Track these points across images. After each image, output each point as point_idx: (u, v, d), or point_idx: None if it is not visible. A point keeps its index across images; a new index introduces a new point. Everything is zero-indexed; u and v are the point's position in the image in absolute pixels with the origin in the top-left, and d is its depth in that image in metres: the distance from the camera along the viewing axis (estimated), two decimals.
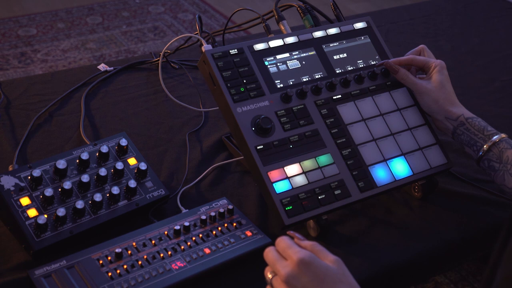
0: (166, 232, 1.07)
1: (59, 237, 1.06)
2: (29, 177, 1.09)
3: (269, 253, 0.87)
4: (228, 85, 1.14)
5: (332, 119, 1.18)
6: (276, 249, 0.87)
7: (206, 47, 1.18)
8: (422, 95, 1.22)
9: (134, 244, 1.04)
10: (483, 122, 1.19)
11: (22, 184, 1.09)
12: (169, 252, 1.04)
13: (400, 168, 1.19)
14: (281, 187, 1.09)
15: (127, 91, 1.54)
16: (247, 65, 1.17)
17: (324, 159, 1.14)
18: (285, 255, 0.85)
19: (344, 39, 1.28)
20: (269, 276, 0.86)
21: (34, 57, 3.19)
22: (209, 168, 1.29)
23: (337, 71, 1.24)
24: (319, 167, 1.13)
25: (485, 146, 1.17)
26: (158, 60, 1.62)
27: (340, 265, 0.85)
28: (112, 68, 1.61)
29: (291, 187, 1.10)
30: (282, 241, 0.87)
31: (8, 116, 1.41)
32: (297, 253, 0.83)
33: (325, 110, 1.18)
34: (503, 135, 1.17)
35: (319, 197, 1.10)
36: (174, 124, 1.44)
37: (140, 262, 1.02)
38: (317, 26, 1.30)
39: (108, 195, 1.12)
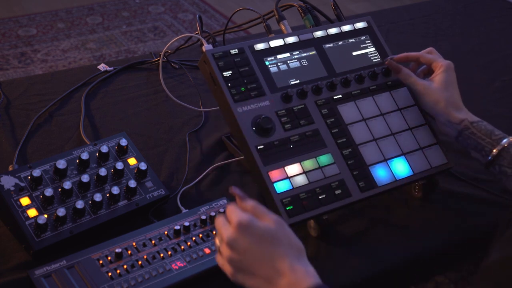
0: (166, 232, 1.07)
1: (59, 237, 1.06)
2: (29, 177, 1.09)
3: (217, 220, 0.90)
4: (229, 85, 1.14)
5: (333, 119, 1.18)
6: (225, 215, 0.90)
7: (206, 47, 1.18)
8: (424, 95, 1.20)
9: (134, 244, 1.04)
10: (489, 126, 1.16)
11: (22, 184, 1.09)
12: (169, 252, 1.04)
13: (401, 168, 1.18)
14: (281, 187, 1.09)
15: (127, 91, 1.54)
16: (247, 65, 1.17)
17: (324, 159, 1.14)
18: (229, 219, 0.88)
19: (344, 39, 1.28)
20: (217, 243, 0.90)
21: (34, 57, 3.19)
22: (209, 168, 1.29)
23: (338, 71, 1.24)
24: (320, 167, 1.13)
25: (494, 151, 1.13)
26: (158, 60, 1.62)
27: (280, 225, 0.87)
28: (112, 68, 1.61)
29: (291, 187, 1.09)
30: (227, 207, 0.89)
31: (8, 116, 1.41)
32: (236, 216, 0.86)
33: (326, 110, 1.18)
34: (511, 138, 1.13)
35: (320, 197, 1.10)
36: (174, 124, 1.43)
37: (140, 262, 1.02)
38: (318, 26, 1.30)
39: (108, 195, 1.12)
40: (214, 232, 0.91)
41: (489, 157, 1.14)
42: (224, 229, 0.87)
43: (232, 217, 0.87)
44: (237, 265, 0.86)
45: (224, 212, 0.92)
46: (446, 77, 1.19)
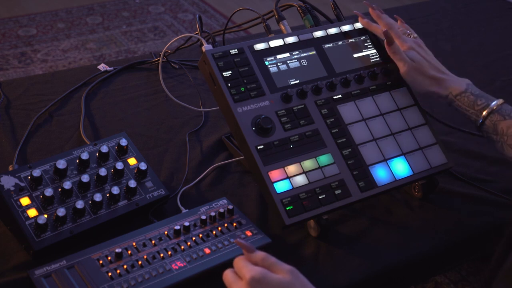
0: (166, 232, 1.07)
1: (59, 237, 1.06)
2: (29, 177, 1.09)
3: (226, 276, 0.86)
4: (229, 85, 1.14)
5: (333, 119, 1.18)
6: (234, 269, 0.86)
7: (206, 47, 1.18)
8: (406, 77, 1.22)
9: (134, 244, 1.04)
10: (471, 96, 1.19)
11: (22, 184, 1.09)
12: (169, 252, 1.04)
13: (401, 168, 1.18)
14: (281, 187, 1.09)
15: (127, 91, 1.54)
16: (247, 65, 1.17)
17: (324, 159, 1.14)
18: (240, 275, 0.84)
19: (344, 39, 1.28)
20: None
21: (34, 57, 3.19)
22: (209, 168, 1.29)
23: (337, 71, 1.24)
24: (320, 167, 1.13)
25: (480, 121, 1.17)
26: (158, 60, 1.62)
27: (294, 274, 0.83)
28: (112, 68, 1.61)
29: (291, 187, 1.09)
30: (237, 261, 0.85)
31: (8, 116, 1.41)
32: (248, 271, 0.82)
33: (326, 110, 1.18)
34: (493, 107, 1.17)
35: (320, 197, 1.10)
36: (174, 124, 1.44)
37: (140, 262, 1.02)
38: (317, 26, 1.30)
39: (108, 195, 1.12)
40: None
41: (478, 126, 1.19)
42: (236, 285, 0.83)
43: (243, 272, 0.83)
44: None
45: (231, 268, 0.87)
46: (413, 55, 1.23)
